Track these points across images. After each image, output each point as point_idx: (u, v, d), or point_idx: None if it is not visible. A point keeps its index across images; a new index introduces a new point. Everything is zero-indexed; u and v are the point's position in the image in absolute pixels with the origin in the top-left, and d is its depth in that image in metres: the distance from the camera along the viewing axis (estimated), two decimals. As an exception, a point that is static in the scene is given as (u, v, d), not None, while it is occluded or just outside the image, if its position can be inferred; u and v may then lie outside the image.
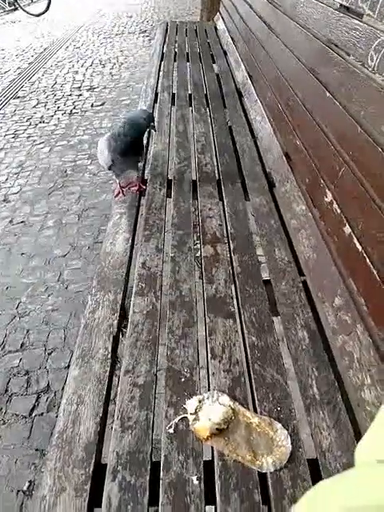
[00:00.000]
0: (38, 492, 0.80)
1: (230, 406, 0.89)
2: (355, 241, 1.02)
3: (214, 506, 0.77)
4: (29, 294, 2.03)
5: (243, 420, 0.88)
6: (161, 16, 7.53)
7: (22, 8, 8.09)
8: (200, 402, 0.90)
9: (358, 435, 0.86)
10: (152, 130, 1.34)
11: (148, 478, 0.80)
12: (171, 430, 0.86)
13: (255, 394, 0.93)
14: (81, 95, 4.32)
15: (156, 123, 2.22)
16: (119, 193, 1.61)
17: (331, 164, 1.20)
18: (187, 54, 3.35)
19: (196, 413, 0.88)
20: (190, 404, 0.90)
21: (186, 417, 0.88)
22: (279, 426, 0.87)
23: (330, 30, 1.42)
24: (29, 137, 3.57)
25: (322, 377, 0.96)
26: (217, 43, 3.55)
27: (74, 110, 3.99)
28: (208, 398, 0.91)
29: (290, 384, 0.95)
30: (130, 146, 1.45)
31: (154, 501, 0.77)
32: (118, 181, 1.62)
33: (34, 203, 2.70)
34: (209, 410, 0.88)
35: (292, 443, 0.84)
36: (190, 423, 0.87)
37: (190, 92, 2.63)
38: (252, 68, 2.48)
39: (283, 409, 0.90)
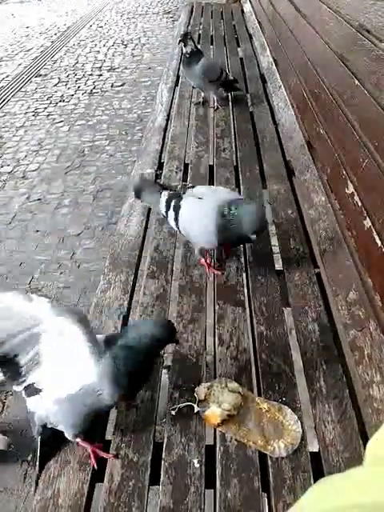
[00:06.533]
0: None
1: (239, 392, 0.89)
2: (375, 235, 0.99)
3: (213, 490, 0.77)
4: (42, 271, 2.05)
5: (253, 406, 0.88)
6: (187, -4, 7.39)
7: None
8: (209, 388, 0.90)
9: (363, 431, 0.85)
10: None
11: (150, 457, 0.80)
12: (173, 413, 0.86)
13: (261, 383, 0.92)
14: (101, 75, 4.28)
15: (176, 106, 2.19)
16: None
17: (355, 155, 1.17)
18: (212, 36, 3.28)
19: (205, 399, 0.88)
20: (200, 391, 0.89)
21: (191, 404, 0.88)
22: (289, 411, 0.86)
23: (363, 14, 1.36)
24: (49, 115, 3.56)
25: (330, 371, 0.94)
26: (242, 26, 3.46)
27: (94, 90, 3.96)
28: (217, 385, 0.91)
29: (296, 375, 0.94)
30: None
31: (155, 480, 0.78)
32: None
33: (51, 181, 2.71)
34: (219, 397, 0.88)
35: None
36: (201, 410, 0.87)
37: (212, 75, 2.57)
38: (278, 53, 2.41)
39: (288, 399, 0.89)
